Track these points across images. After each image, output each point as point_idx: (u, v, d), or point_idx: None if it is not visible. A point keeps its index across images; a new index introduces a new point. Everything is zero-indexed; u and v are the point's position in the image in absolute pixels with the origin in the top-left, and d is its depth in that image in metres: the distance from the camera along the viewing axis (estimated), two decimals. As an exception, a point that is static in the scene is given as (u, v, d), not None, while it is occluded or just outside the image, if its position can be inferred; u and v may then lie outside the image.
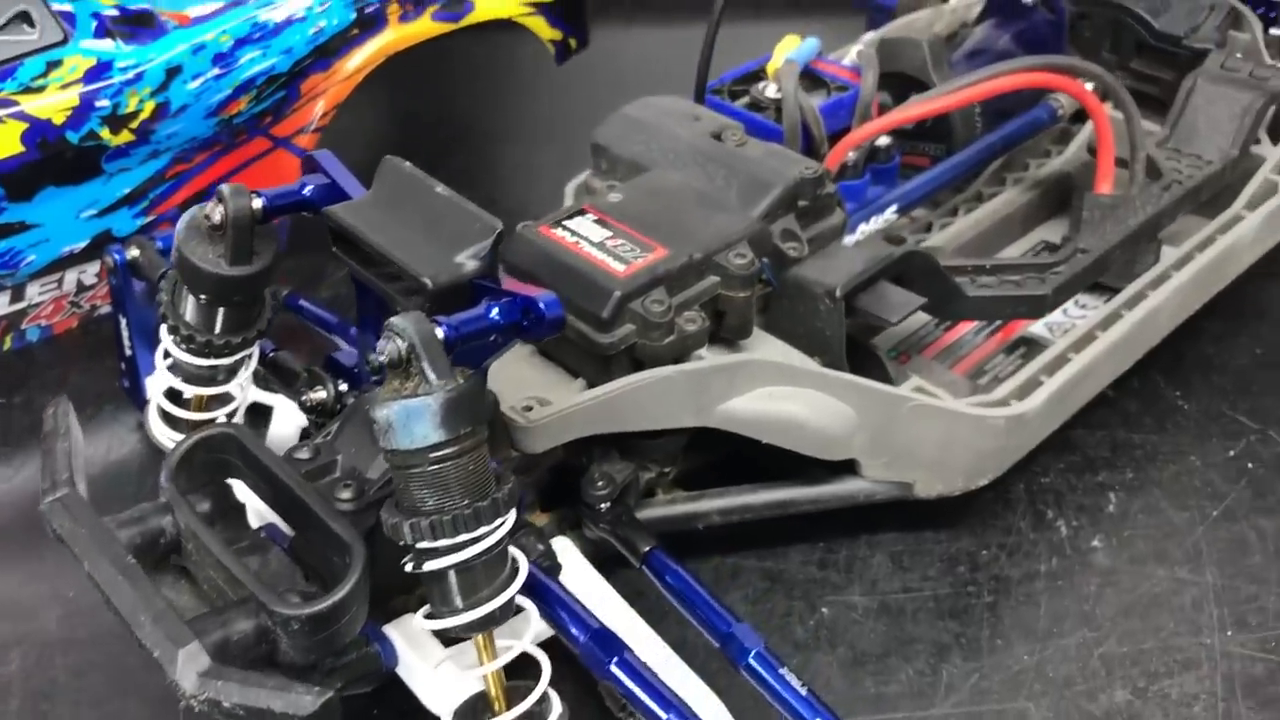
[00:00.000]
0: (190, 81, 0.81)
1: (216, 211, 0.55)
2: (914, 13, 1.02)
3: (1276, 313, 0.89)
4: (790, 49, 0.85)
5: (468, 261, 0.51)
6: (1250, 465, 0.76)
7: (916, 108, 0.79)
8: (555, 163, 1.06)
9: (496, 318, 0.49)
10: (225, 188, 0.55)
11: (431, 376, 0.46)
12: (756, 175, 0.70)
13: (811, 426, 0.65)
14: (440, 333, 0.47)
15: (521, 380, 0.62)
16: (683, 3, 1.32)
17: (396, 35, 0.87)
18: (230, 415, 0.65)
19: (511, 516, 0.49)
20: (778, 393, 0.64)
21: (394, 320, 0.47)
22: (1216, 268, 0.81)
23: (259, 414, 0.66)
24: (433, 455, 0.46)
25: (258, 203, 0.56)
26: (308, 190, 0.57)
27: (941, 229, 0.87)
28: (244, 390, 0.64)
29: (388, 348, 0.46)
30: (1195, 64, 0.88)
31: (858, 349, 0.70)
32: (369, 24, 0.85)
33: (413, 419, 0.45)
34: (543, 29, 0.95)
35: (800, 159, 0.72)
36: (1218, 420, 0.80)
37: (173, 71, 0.80)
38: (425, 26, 0.88)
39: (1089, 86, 0.82)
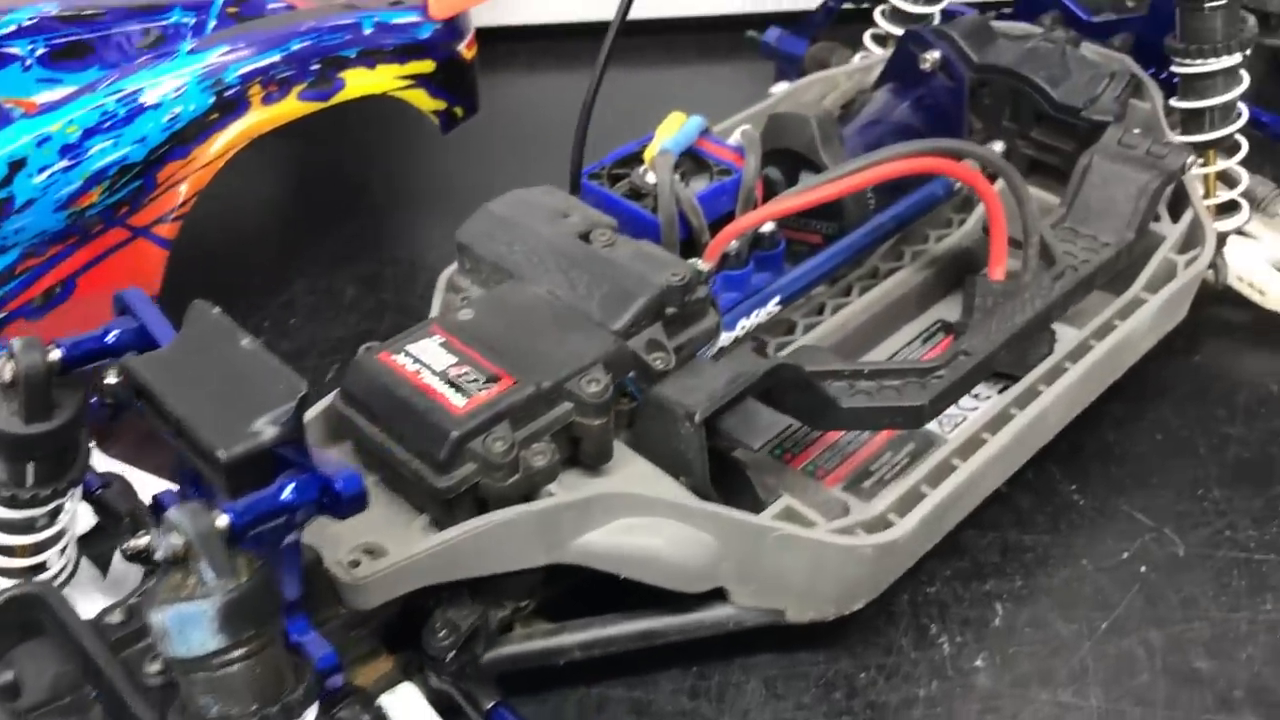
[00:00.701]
0: (36, 175, 0.76)
1: (6, 368, 0.51)
2: (813, 75, 0.99)
3: (1179, 391, 0.87)
4: (673, 130, 0.82)
5: (266, 429, 0.47)
6: (1143, 569, 0.74)
7: (795, 199, 0.76)
8: (452, 225, 1.03)
9: (290, 498, 0.46)
10: (15, 342, 0.51)
11: (209, 577, 0.42)
12: (621, 284, 0.67)
13: (672, 560, 0.61)
14: (224, 522, 0.44)
15: (356, 521, 0.59)
16: (593, 48, 1.29)
17: (261, 117, 0.83)
18: (64, 550, 0.61)
19: (312, 713, 0.45)
20: (635, 525, 0.61)
21: (170, 514, 0.43)
22: (1114, 356, 0.78)
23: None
24: (214, 662, 0.43)
25: (54, 355, 0.52)
26: (111, 338, 0.53)
27: (835, 311, 0.84)
28: (71, 526, 0.60)
29: (163, 544, 0.43)
30: (1095, 136, 0.85)
31: (729, 462, 0.67)
32: (229, 107, 0.81)
33: (188, 625, 0.42)
34: (423, 101, 0.91)
35: (670, 262, 0.68)
36: (1113, 518, 0.77)
37: (16, 165, 0.76)
38: (292, 107, 0.84)
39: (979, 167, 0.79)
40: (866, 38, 1.03)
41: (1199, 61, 0.83)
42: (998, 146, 0.91)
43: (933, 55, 0.91)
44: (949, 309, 0.87)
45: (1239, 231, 0.89)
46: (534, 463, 0.59)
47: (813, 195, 0.76)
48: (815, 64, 1.14)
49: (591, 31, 1.29)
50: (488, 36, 1.27)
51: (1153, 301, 0.80)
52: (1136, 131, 0.83)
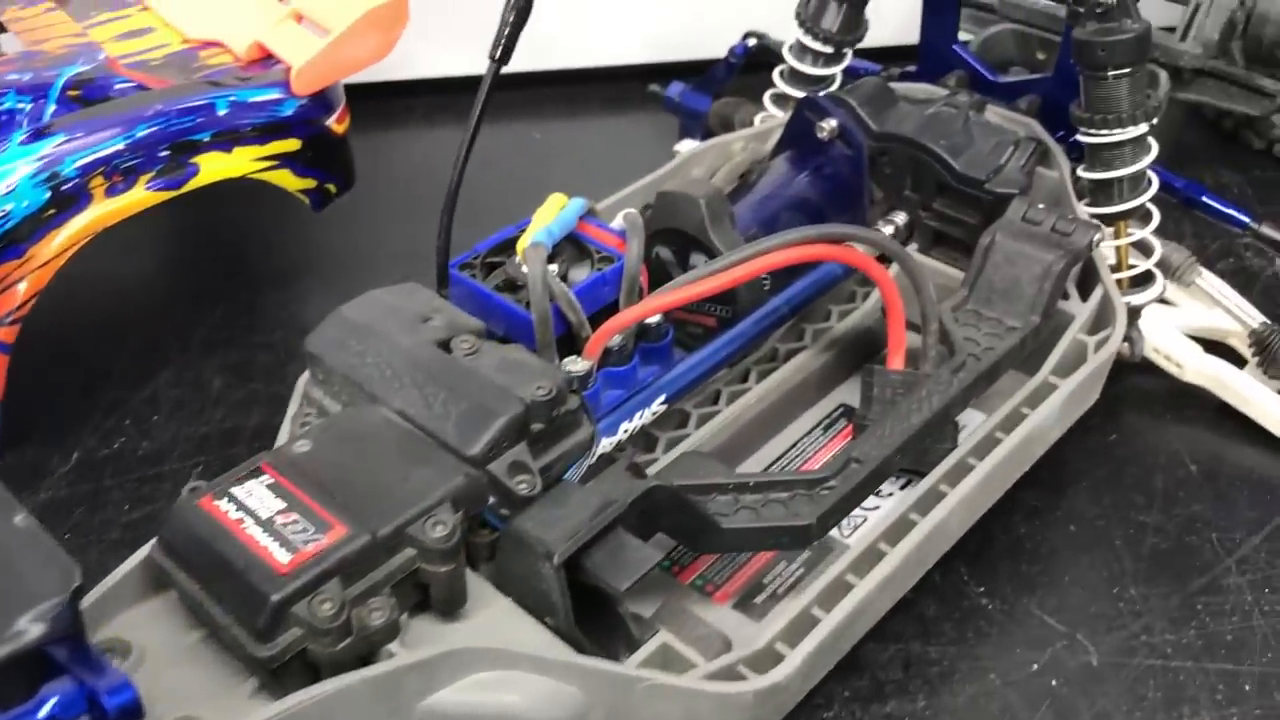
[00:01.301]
0: None
1: None
2: (710, 141, 0.94)
3: (1094, 475, 0.82)
4: (551, 214, 0.77)
5: (31, 627, 0.41)
6: (1054, 683, 0.69)
7: (673, 295, 0.71)
8: (336, 301, 0.97)
9: (49, 715, 0.40)
10: None
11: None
12: (480, 400, 0.61)
13: (532, 718, 0.56)
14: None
15: (176, 685, 0.53)
16: (516, 100, 1.24)
17: (104, 211, 0.76)
18: None
19: None
20: (489, 680, 0.55)
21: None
22: (1023, 449, 0.74)
23: None
24: None
25: None
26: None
27: (730, 400, 0.79)
28: None
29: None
30: (1000, 208, 0.81)
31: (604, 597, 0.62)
32: (68, 202, 0.75)
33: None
34: (289, 181, 0.85)
35: (538, 372, 0.63)
36: (1023, 624, 0.72)
37: None
38: (139, 198, 0.78)
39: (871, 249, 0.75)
40: (766, 99, 0.99)
41: (1104, 132, 0.79)
42: (900, 218, 0.86)
43: (829, 124, 0.86)
44: (852, 391, 0.82)
45: (1160, 300, 0.85)
46: (370, 621, 0.53)
47: (692, 290, 0.71)
48: (720, 121, 1.09)
49: (495, 85, 1.24)
50: (382, 91, 1.21)
51: (1062, 388, 0.75)
52: (1041, 206, 0.79)
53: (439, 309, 0.68)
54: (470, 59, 1.23)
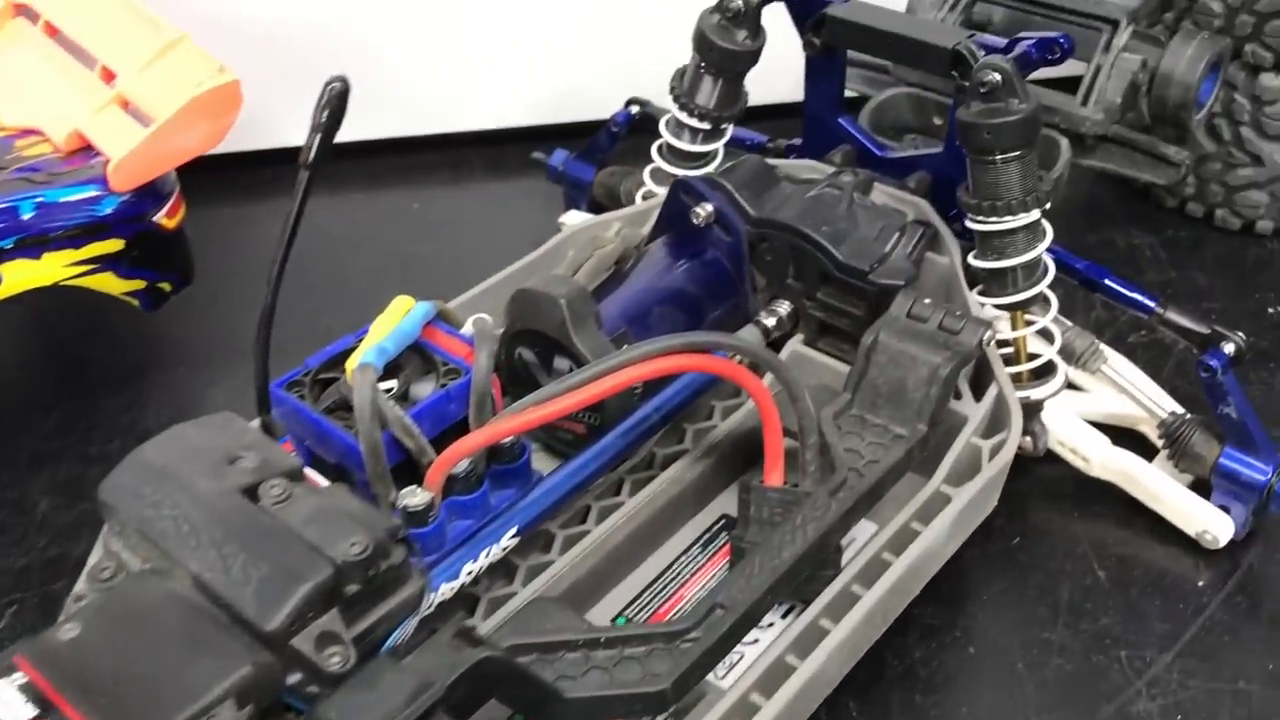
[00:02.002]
0: None
1: None
2: (586, 221, 0.87)
3: (996, 587, 0.76)
4: (393, 322, 0.69)
5: None
6: (948, 844, 0.63)
7: (527, 415, 0.64)
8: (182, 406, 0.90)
9: None
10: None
11: None
12: (284, 562, 0.53)
13: None
14: None
15: None
16: (362, 170, 1.16)
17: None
18: None
19: None
20: None
21: None
22: (914, 572, 0.68)
23: None
24: None
25: None
26: None
27: (601, 517, 0.72)
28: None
29: None
30: (886, 300, 0.74)
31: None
32: None
33: None
34: (112, 284, 0.77)
35: (355, 524, 0.55)
36: (917, 768, 0.66)
37: None
38: (-71, 314, 0.70)
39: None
40: (646, 174, 0.92)
41: (994, 220, 0.73)
42: (783, 308, 0.80)
43: (705, 209, 0.80)
44: (734, 500, 0.75)
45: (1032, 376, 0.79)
46: None
47: (545, 411, 0.64)
48: (605, 191, 1.03)
49: (365, 152, 1.17)
50: (243, 161, 1.14)
51: (956, 501, 0.69)
52: (928, 301, 0.73)
53: (251, 446, 0.61)
54: (347, 122, 1.16)
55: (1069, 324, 0.82)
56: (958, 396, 0.74)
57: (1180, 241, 1.07)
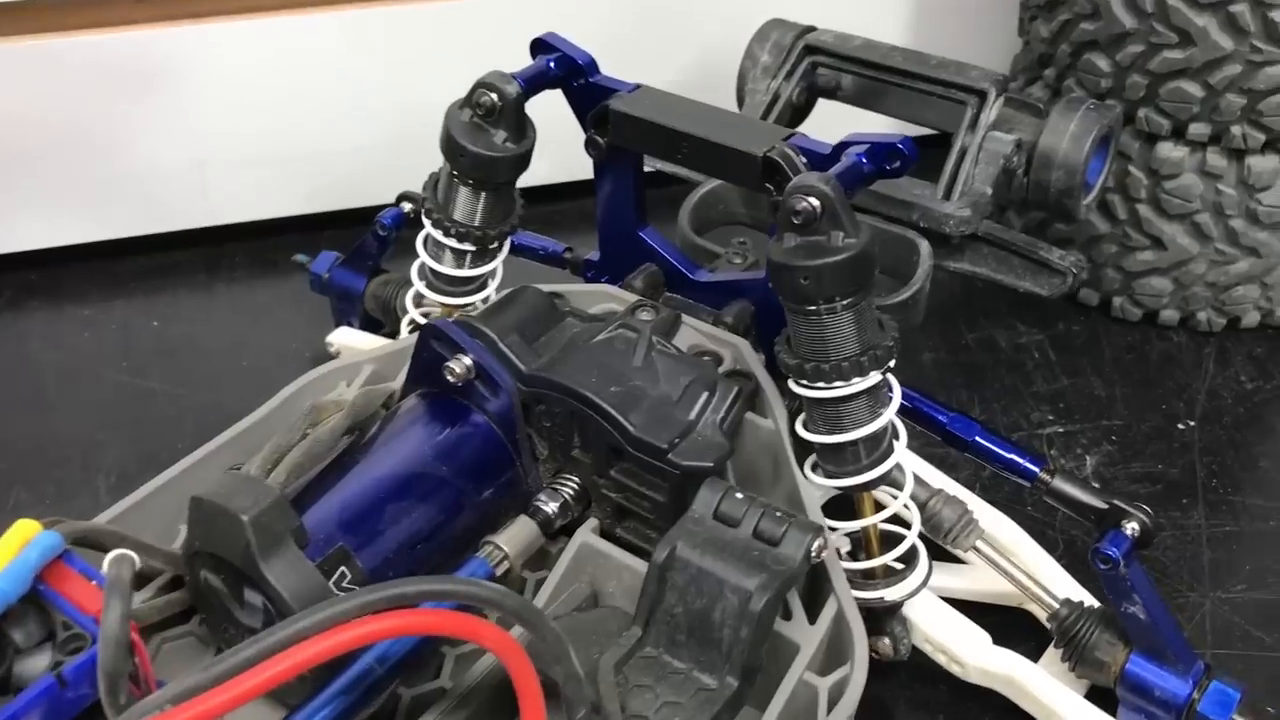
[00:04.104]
0: None
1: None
2: (321, 372, 0.68)
3: None
4: (3, 559, 0.50)
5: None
6: None
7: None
8: None
9: None
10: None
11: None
12: None
13: None
14: None
15: None
16: (142, 270, 0.96)
17: None
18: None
19: None
20: None
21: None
22: None
23: None
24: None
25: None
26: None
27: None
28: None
29: None
30: (693, 484, 0.57)
31: None
32: None
33: None
34: None
35: None
36: None
37: None
38: None
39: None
40: (408, 299, 0.73)
41: (820, 385, 0.55)
42: (569, 487, 0.62)
43: (462, 363, 0.61)
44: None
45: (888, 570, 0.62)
46: None
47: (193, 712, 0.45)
48: (378, 304, 0.84)
49: (106, 254, 0.96)
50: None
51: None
52: (740, 496, 0.55)
53: None
54: (72, 226, 0.95)
55: (934, 489, 0.64)
56: (786, 617, 0.56)
57: (1073, 339, 0.91)
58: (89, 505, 0.73)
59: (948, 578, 0.67)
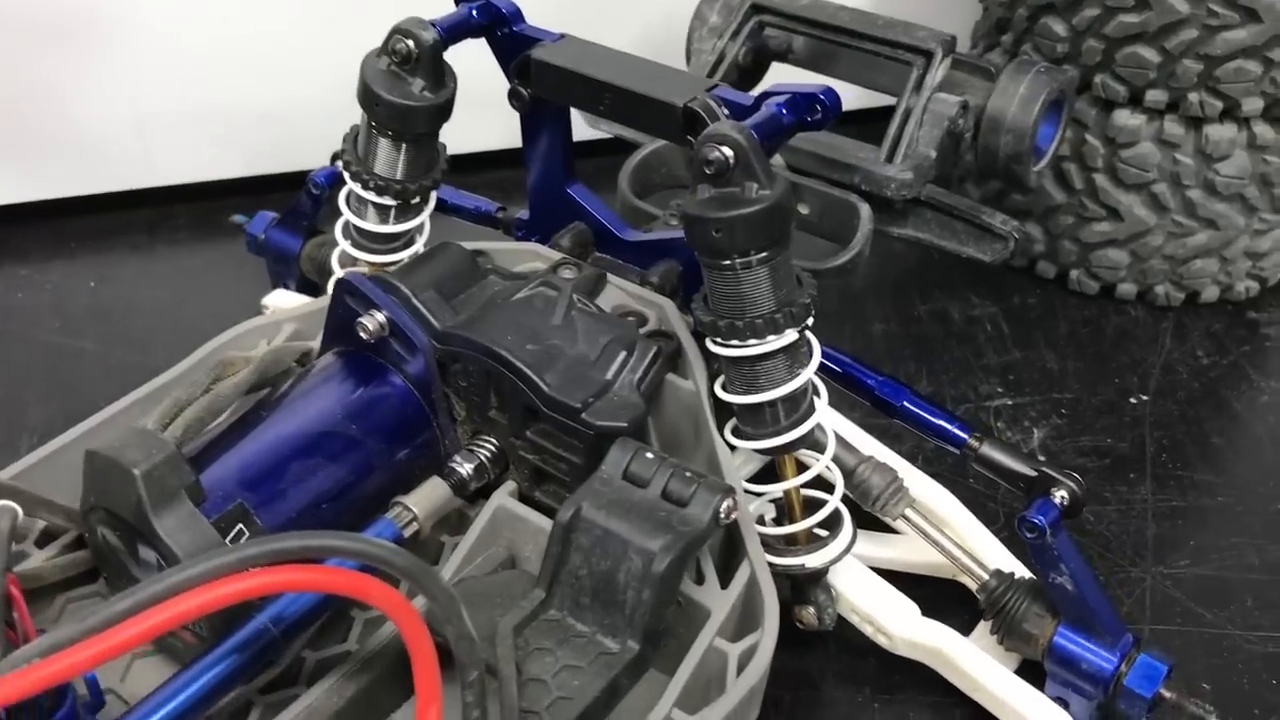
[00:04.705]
0: None
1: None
2: (239, 330, 0.66)
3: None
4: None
5: None
6: None
7: (30, 676, 0.43)
8: None
9: None
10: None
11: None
12: None
13: None
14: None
15: None
16: (84, 230, 0.94)
17: None
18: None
19: None
20: None
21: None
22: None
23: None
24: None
25: None
26: None
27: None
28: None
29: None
30: (606, 445, 0.55)
31: None
32: None
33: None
34: None
35: None
36: None
37: None
38: None
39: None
40: (334, 259, 0.71)
41: (735, 344, 0.54)
42: (486, 448, 0.60)
43: (376, 319, 0.59)
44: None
45: (811, 536, 0.60)
46: None
47: (51, 670, 0.43)
48: (313, 266, 0.82)
49: (49, 212, 0.93)
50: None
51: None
52: (650, 455, 0.53)
53: None
54: (10, 185, 0.93)
55: (863, 455, 0.63)
56: (699, 581, 0.54)
57: (1028, 311, 0.89)
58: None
59: (879, 547, 0.66)
